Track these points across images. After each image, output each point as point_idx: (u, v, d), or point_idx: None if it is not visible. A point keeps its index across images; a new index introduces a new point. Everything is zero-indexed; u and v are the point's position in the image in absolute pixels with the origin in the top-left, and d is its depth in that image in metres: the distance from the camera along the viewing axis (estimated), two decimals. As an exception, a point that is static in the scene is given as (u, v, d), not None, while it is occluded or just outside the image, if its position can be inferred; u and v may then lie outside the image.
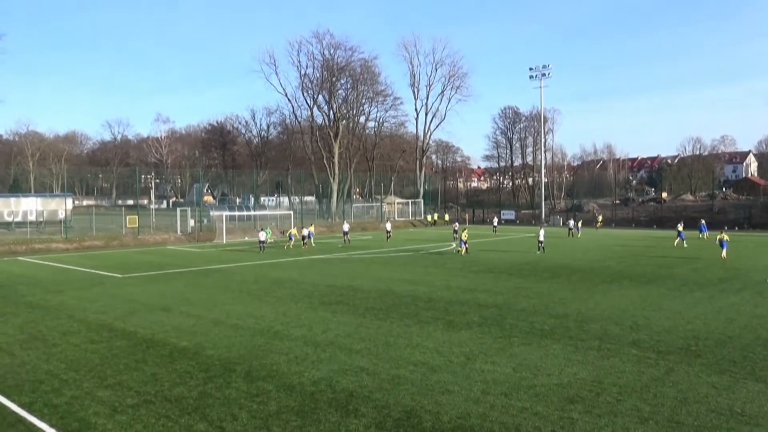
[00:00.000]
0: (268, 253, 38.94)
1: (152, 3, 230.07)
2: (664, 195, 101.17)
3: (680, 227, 43.88)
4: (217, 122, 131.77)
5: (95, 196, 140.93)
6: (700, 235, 47.26)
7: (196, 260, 35.91)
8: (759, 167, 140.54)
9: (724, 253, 33.16)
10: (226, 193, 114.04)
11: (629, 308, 18.77)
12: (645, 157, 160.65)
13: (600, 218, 65.86)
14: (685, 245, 41.42)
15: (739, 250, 38.39)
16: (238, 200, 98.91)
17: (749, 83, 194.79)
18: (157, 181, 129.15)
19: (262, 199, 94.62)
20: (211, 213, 60.87)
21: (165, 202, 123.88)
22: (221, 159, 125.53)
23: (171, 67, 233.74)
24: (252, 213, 64.31)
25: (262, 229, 44.44)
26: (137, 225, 51.04)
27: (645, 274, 27.09)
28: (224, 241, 50.38)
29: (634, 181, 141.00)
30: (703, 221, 49.10)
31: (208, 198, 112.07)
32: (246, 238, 52.58)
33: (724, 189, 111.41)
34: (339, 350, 13.84)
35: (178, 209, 58.02)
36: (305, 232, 45.38)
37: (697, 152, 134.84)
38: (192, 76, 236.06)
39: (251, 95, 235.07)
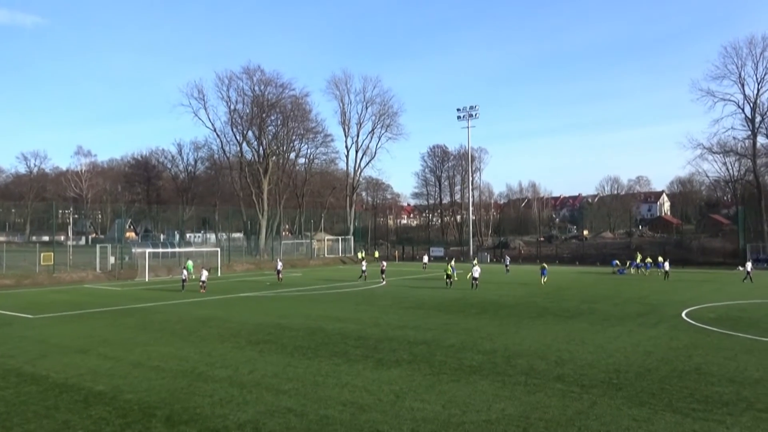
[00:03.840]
0: (193, 291, 37.73)
1: (73, 32, 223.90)
2: (586, 232, 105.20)
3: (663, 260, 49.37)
4: (141, 156, 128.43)
5: (7, 232, 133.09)
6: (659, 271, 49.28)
7: (115, 299, 34.38)
8: (671, 207, 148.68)
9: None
10: (150, 230, 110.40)
11: (554, 343, 19.19)
12: (567, 195, 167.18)
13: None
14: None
15: (654, 286, 40.23)
16: (162, 237, 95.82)
17: (661, 127, 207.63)
18: (76, 216, 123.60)
19: (188, 235, 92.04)
20: (133, 250, 58.73)
21: (84, 238, 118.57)
22: (145, 194, 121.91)
23: (93, 99, 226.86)
24: (177, 250, 62.48)
25: (185, 267, 42.99)
26: (52, 262, 48.53)
27: (569, 309, 27.87)
28: (147, 279, 48.56)
29: (557, 219, 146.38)
30: (660, 258, 51.53)
31: (131, 234, 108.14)
32: (171, 276, 50.88)
33: (640, 227, 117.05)
34: (266, 391, 13.43)
35: (98, 246, 55.72)
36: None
37: (615, 192, 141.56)
38: (116, 108, 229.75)
39: (178, 129, 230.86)
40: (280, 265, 47.92)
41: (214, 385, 14.04)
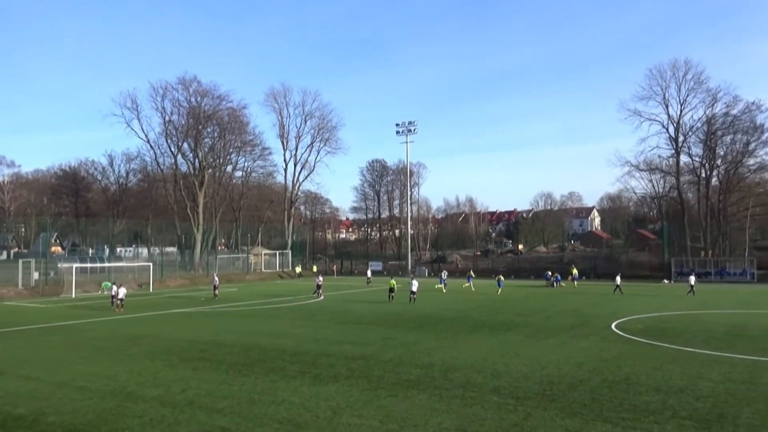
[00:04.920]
0: (124, 307, 36.33)
1: None
2: (521, 247, 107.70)
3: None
4: (69, 167, 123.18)
5: None
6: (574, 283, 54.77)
7: (39, 317, 32.78)
8: (602, 222, 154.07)
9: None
10: (78, 244, 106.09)
11: (490, 356, 19.46)
12: (503, 210, 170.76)
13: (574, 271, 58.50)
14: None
15: (586, 299, 41.48)
16: (90, 251, 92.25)
17: (593, 145, 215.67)
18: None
19: (118, 249, 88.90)
20: (59, 265, 56.21)
21: (5, 252, 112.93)
22: (73, 207, 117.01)
23: (17, 108, 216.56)
24: (106, 265, 60.16)
25: (114, 283, 39.98)
26: (-30, 278, 45.88)
27: (504, 323, 28.36)
28: (73, 295, 46.56)
29: (493, 234, 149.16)
30: (575, 271, 57.53)
31: (57, 249, 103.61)
32: (100, 292, 48.93)
33: (572, 241, 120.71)
34: (199, 410, 13.05)
35: (21, 260, 53.05)
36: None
37: (549, 207, 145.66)
38: (42, 117, 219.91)
39: (109, 140, 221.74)
40: (216, 280, 46.84)
41: (145, 405, 13.54)
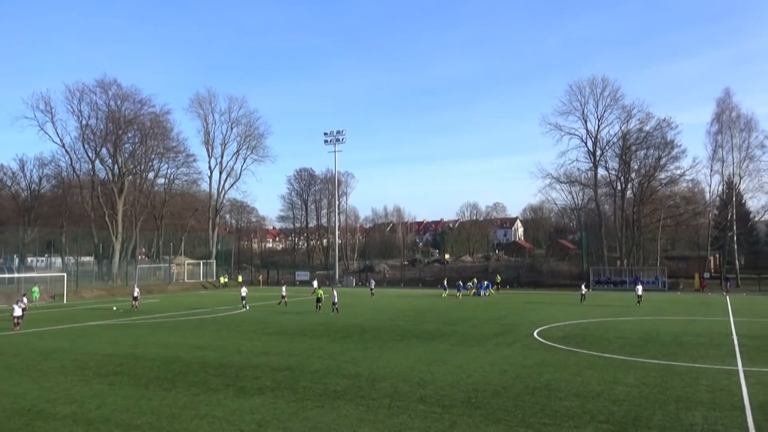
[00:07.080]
0: (33, 321, 34.43)
1: None
2: (447, 256, 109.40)
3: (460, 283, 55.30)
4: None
5: None
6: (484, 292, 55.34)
7: (-61, 331, 30.57)
8: (525, 232, 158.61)
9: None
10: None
11: (417, 365, 19.57)
12: (430, 220, 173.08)
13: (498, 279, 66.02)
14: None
15: (510, 307, 42.51)
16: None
17: (517, 158, 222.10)
18: None
19: (29, 259, 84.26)
20: (-37, 275, 52.76)
21: None
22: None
23: None
24: (16, 275, 56.94)
25: (18, 301, 33.51)
26: None
27: (431, 332, 28.63)
28: (-21, 308, 43.70)
29: (420, 243, 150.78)
30: (485, 282, 58.62)
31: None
32: (16, 305, 46.10)
33: (497, 251, 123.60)
34: (116, 427, 12.46)
35: None
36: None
37: (474, 217, 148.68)
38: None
39: (20, 143, 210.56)
40: (137, 292, 44.94)
41: (56, 423, 12.81)
